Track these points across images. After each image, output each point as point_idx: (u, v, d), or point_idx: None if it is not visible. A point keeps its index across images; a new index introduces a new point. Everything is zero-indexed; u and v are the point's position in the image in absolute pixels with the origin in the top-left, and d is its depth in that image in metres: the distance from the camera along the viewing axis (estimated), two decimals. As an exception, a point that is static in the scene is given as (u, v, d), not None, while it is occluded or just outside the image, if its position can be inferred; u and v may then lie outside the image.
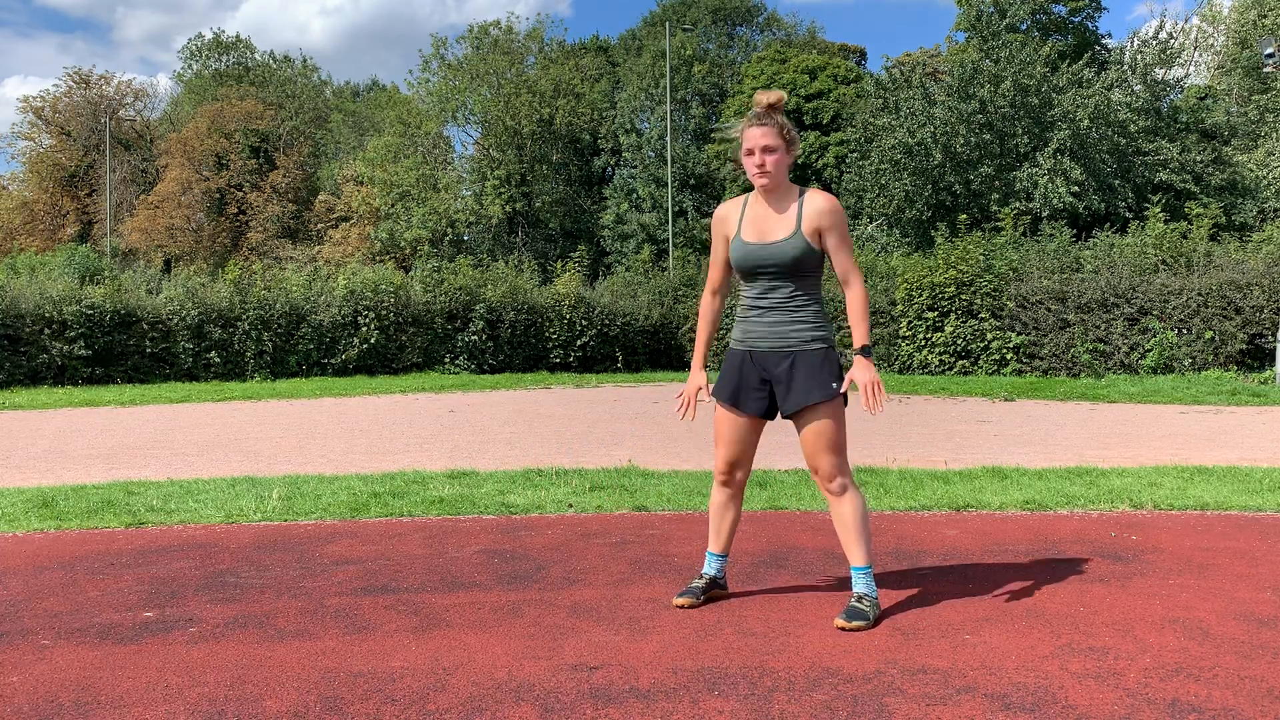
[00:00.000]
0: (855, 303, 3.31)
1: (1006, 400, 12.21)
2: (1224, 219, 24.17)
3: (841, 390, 3.29)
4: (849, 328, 17.20)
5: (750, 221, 3.35)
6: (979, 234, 18.09)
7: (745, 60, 44.50)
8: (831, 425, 3.27)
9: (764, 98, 3.33)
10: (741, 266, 3.35)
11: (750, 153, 3.28)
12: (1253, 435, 8.34)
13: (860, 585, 3.27)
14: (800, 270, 3.28)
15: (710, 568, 3.50)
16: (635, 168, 40.97)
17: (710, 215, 38.72)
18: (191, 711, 2.53)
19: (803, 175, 38.50)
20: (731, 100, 40.58)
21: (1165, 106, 29.20)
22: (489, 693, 2.64)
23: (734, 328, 3.49)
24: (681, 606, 3.37)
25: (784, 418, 3.36)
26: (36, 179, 47.93)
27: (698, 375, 3.50)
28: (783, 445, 7.07)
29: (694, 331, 20.44)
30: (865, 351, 3.29)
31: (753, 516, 4.91)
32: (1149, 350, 14.64)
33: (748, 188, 3.41)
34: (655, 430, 9.27)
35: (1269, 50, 17.19)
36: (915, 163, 27.65)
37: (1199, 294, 14.56)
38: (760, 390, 3.36)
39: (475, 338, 18.81)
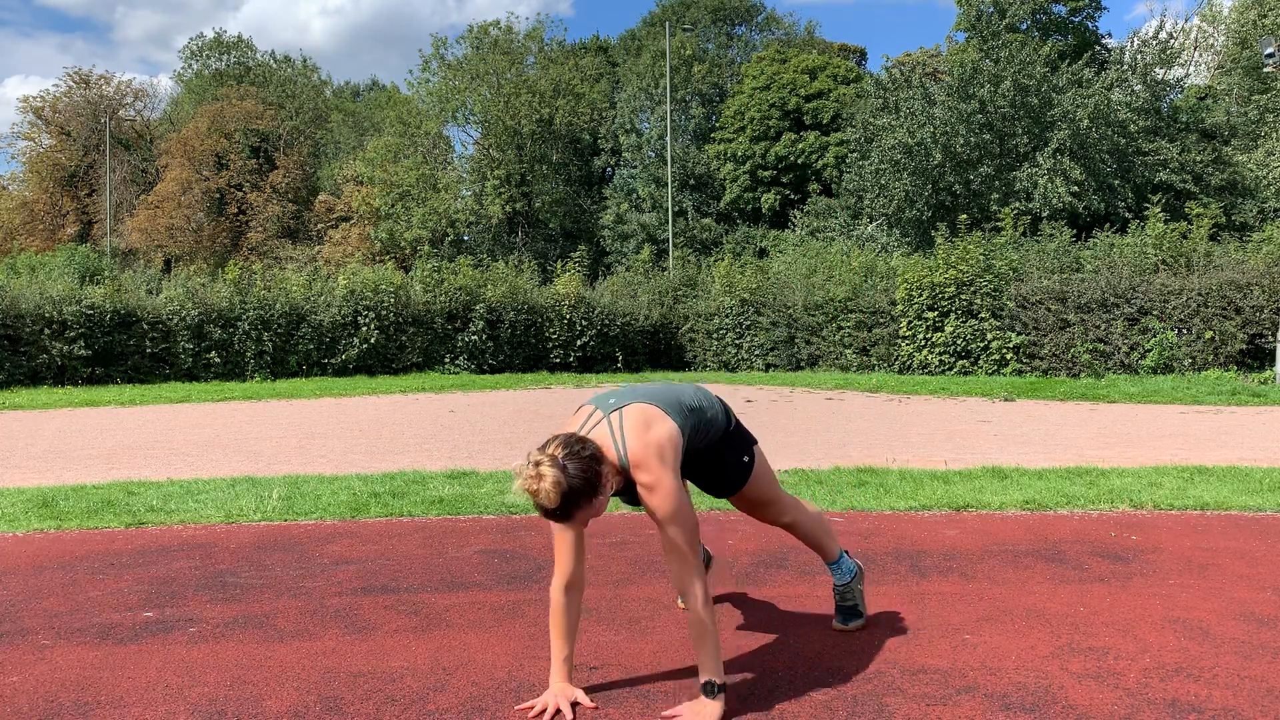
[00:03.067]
0: (693, 624, 2.53)
1: (1006, 400, 12.21)
2: (1224, 219, 24.16)
3: (753, 456, 2.96)
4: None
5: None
6: (979, 234, 18.08)
7: (745, 60, 44.50)
8: (759, 488, 3.00)
9: (541, 491, 2.41)
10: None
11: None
12: (1253, 435, 8.34)
13: (837, 577, 3.16)
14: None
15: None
16: (635, 168, 40.96)
17: (711, 215, 38.83)
18: (191, 711, 2.53)
19: (803, 175, 38.51)
20: (731, 100, 40.58)
21: (1165, 106, 29.19)
22: (489, 693, 2.63)
23: None
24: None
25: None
26: (36, 179, 47.92)
27: (566, 688, 2.60)
28: (783, 445, 7.06)
29: (694, 331, 20.42)
30: (710, 688, 2.48)
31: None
32: (1149, 350, 14.64)
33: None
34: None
35: (1269, 50, 17.18)
36: (915, 163, 27.64)
37: (1199, 294, 14.56)
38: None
39: (475, 338, 18.81)
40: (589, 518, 2.54)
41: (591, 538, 4.48)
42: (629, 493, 2.70)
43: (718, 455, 2.94)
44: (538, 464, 2.43)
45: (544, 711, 2.52)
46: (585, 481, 2.45)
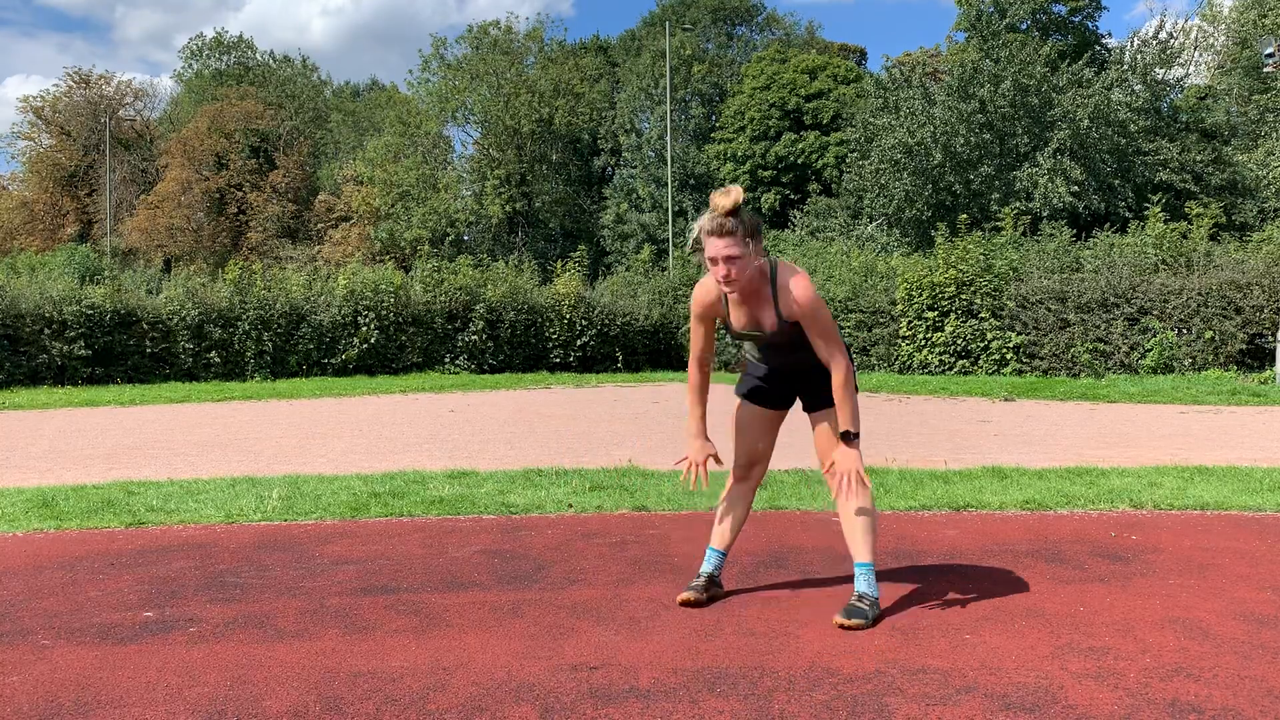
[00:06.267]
0: (837, 384, 3.20)
1: (1006, 400, 12.21)
2: (1224, 219, 24.16)
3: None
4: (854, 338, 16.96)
5: (734, 310, 3.30)
6: (979, 234, 18.09)
7: (745, 60, 44.50)
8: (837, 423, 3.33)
9: (722, 201, 3.13)
10: (741, 341, 3.42)
11: (714, 261, 3.15)
12: (1253, 435, 8.34)
13: (862, 584, 3.28)
14: (800, 334, 3.29)
15: (709, 565, 3.51)
16: (635, 168, 40.96)
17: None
18: (191, 711, 2.53)
19: (803, 175, 38.50)
20: (731, 100, 40.57)
21: (1165, 106, 29.19)
22: (489, 693, 2.64)
23: (748, 360, 3.55)
24: (687, 603, 3.37)
25: (804, 411, 3.43)
26: (36, 179, 47.94)
27: (703, 444, 3.40)
28: (783, 445, 7.07)
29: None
30: (847, 437, 3.21)
31: (753, 516, 4.91)
32: (1149, 350, 14.64)
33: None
34: (655, 430, 9.27)
35: (1269, 50, 17.18)
36: (915, 163, 27.64)
37: (1199, 294, 14.56)
38: (783, 386, 3.43)
39: (475, 338, 18.81)
40: (732, 257, 3.09)
41: (592, 537, 4.48)
42: (749, 317, 3.28)
43: (825, 375, 3.31)
44: (728, 190, 3.13)
45: (694, 465, 3.33)
46: (754, 219, 3.17)
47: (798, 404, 3.53)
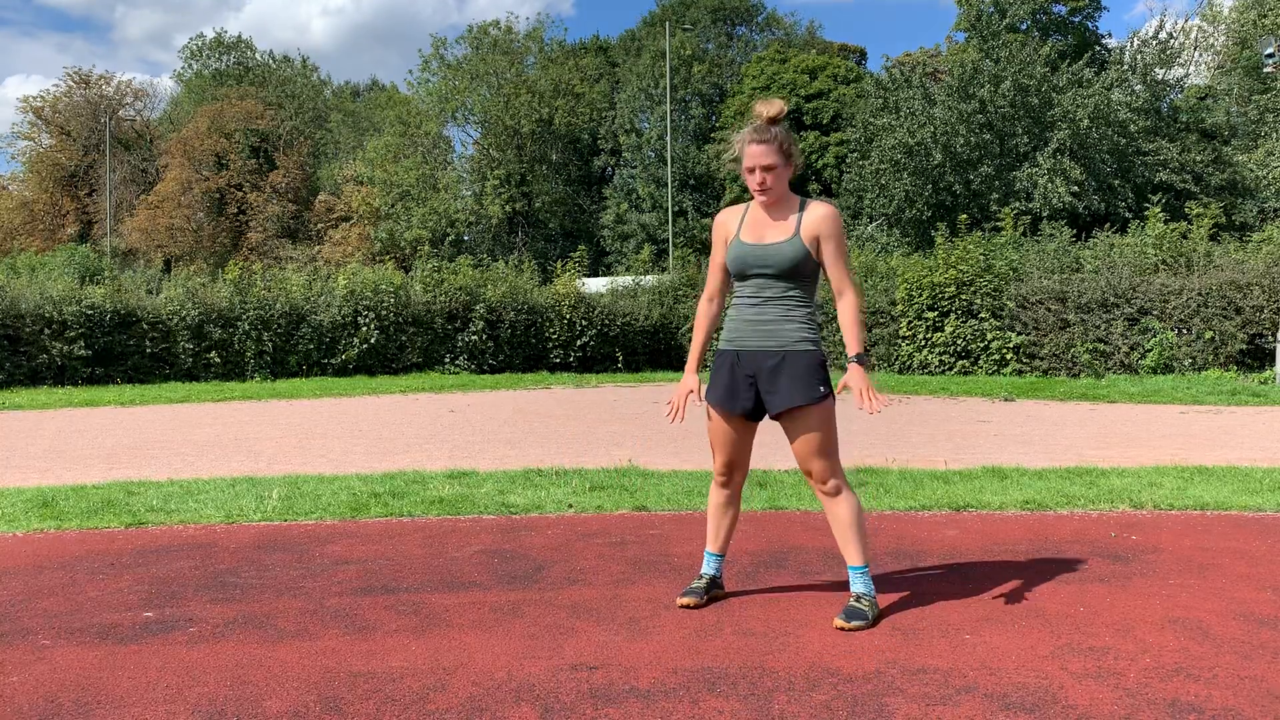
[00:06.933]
0: (848, 311, 3.29)
1: (1006, 400, 12.21)
2: (1224, 219, 24.16)
3: (831, 393, 3.29)
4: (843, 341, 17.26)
5: (750, 225, 3.36)
6: (979, 234, 18.08)
7: (745, 60, 44.50)
8: (820, 428, 3.26)
9: (765, 109, 3.28)
10: (737, 266, 3.34)
11: (751, 170, 3.26)
12: (1253, 435, 8.34)
13: (858, 585, 3.28)
14: (795, 274, 3.28)
15: (709, 567, 3.51)
16: (635, 168, 40.95)
17: (711, 215, 38.79)
18: (191, 711, 2.53)
19: (803, 175, 38.46)
20: (731, 100, 40.57)
21: (1165, 106, 29.20)
22: (489, 693, 2.64)
23: (724, 328, 3.48)
24: (686, 606, 3.37)
25: (771, 419, 3.35)
26: (36, 179, 47.94)
27: (690, 378, 3.45)
28: (784, 445, 7.06)
29: (694, 332, 20.41)
30: (859, 359, 3.27)
31: (753, 516, 4.91)
32: (1149, 350, 14.64)
33: (747, 189, 3.37)
34: (655, 430, 9.27)
35: (1269, 50, 17.18)
36: (915, 163, 27.64)
37: (1199, 294, 14.55)
38: (749, 392, 3.34)
39: (475, 338, 18.81)
40: (768, 165, 3.23)
41: (592, 537, 4.48)
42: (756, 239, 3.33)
43: (810, 370, 3.31)
44: (771, 100, 3.32)
45: (678, 406, 3.41)
46: (791, 137, 3.32)
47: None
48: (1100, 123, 26.47)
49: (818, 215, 3.28)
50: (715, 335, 3.59)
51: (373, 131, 46.19)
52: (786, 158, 3.28)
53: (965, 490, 5.47)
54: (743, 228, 3.36)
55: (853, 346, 3.28)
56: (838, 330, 17.73)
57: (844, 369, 3.33)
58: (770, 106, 3.27)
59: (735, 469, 3.46)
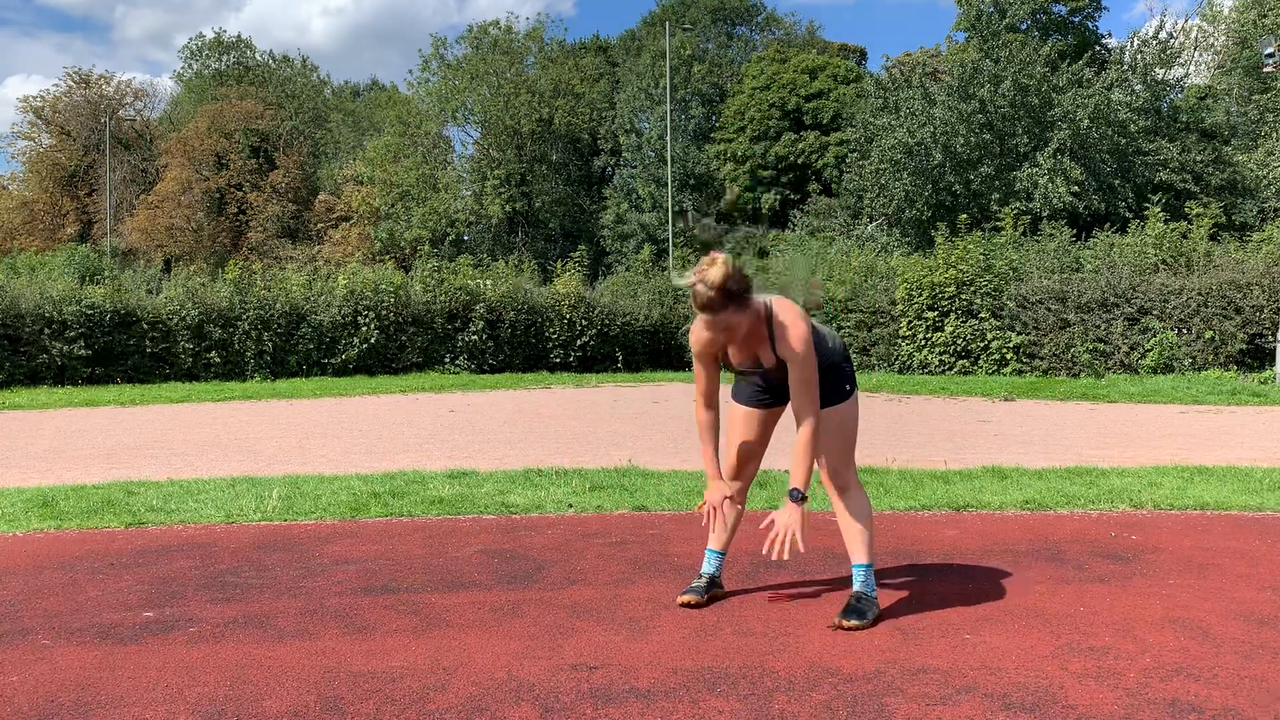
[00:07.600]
0: (800, 440, 3.16)
1: (1006, 400, 12.21)
2: (1224, 219, 24.16)
3: (854, 388, 3.37)
4: (849, 330, 16.93)
5: (734, 350, 3.30)
6: (979, 234, 18.08)
7: (745, 60, 44.48)
8: (840, 427, 3.32)
9: (711, 275, 2.99)
10: (738, 379, 3.51)
11: (710, 327, 3.12)
12: (1253, 435, 8.34)
13: (859, 584, 3.28)
14: None
15: (709, 566, 3.51)
16: (635, 168, 40.93)
17: (711, 215, 38.77)
18: (191, 711, 2.53)
19: (803, 175, 38.47)
20: (731, 100, 40.55)
21: (1165, 106, 29.18)
22: (489, 693, 2.64)
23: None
24: (686, 605, 3.38)
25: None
26: (36, 179, 47.91)
27: (719, 484, 3.34)
28: (784, 446, 7.06)
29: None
30: (795, 495, 3.13)
31: (753, 516, 4.91)
32: (1149, 350, 14.64)
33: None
34: (655, 430, 9.27)
35: (1269, 50, 17.18)
36: (915, 163, 27.64)
37: (1199, 294, 14.55)
38: (782, 389, 3.42)
39: (475, 338, 18.81)
40: (727, 327, 3.06)
41: (592, 537, 4.48)
42: (749, 355, 3.26)
43: (831, 372, 3.32)
44: (714, 259, 3.01)
45: (711, 508, 3.29)
46: (741, 286, 3.00)
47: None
48: (1100, 123, 26.47)
49: (784, 341, 3.17)
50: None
51: (373, 131, 46.19)
52: (742, 306, 3.06)
53: (965, 490, 5.47)
54: (730, 352, 3.31)
55: (795, 480, 3.15)
56: (845, 325, 17.72)
57: (849, 361, 3.37)
58: (713, 274, 2.99)
59: (750, 459, 3.50)
